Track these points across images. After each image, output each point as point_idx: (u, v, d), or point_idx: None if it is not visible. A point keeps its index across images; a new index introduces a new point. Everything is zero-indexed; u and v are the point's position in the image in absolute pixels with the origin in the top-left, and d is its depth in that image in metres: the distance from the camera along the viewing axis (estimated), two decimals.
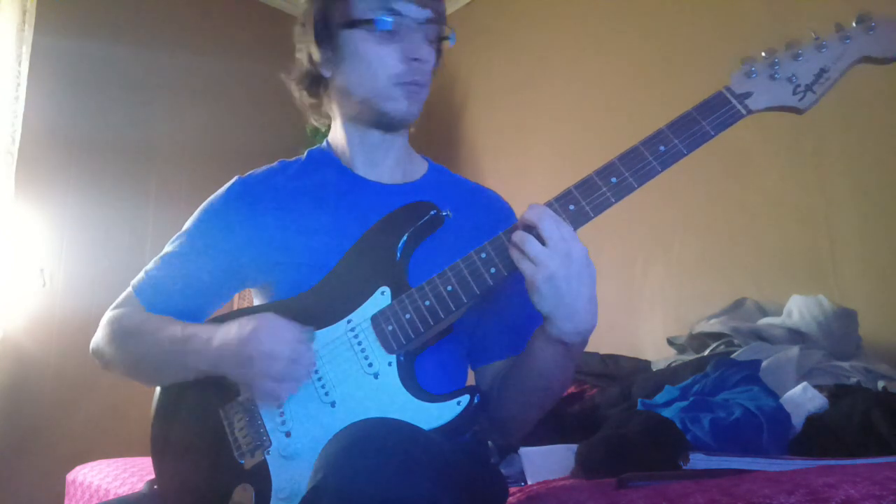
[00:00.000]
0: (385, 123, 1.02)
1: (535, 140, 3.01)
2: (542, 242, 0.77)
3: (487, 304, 1.01)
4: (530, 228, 0.79)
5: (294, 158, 1.11)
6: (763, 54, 0.82)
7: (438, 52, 1.03)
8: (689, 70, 2.37)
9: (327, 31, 0.99)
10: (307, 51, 1.03)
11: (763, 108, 0.81)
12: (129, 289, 1.02)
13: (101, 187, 2.84)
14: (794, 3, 2.11)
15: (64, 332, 2.60)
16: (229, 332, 0.86)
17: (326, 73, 1.02)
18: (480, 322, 1.02)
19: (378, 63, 0.96)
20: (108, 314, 1.01)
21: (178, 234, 1.04)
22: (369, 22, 0.95)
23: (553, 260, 0.76)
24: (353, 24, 0.96)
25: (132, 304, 1.01)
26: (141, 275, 1.02)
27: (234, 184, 1.04)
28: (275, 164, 1.09)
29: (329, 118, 1.11)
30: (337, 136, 1.08)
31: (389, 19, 0.95)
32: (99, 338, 1.00)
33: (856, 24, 0.79)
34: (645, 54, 2.60)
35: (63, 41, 2.80)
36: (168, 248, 1.03)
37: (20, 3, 2.63)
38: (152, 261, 1.03)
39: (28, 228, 2.62)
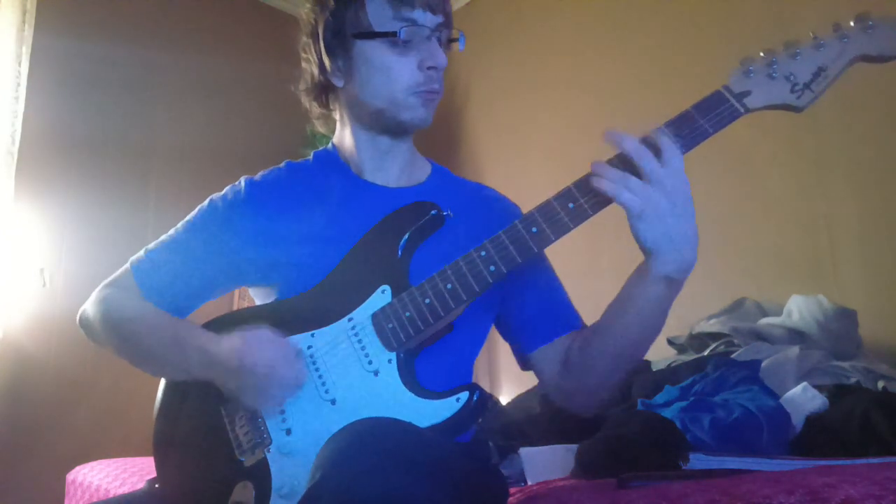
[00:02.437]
0: (399, 131, 1.02)
1: (535, 140, 3.01)
2: (642, 177, 0.77)
3: (526, 292, 1.02)
4: (627, 164, 0.79)
5: (300, 160, 1.10)
6: (761, 54, 0.83)
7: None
8: (688, 70, 2.37)
9: (339, 41, 0.98)
10: (316, 61, 1.02)
11: (761, 107, 0.82)
12: (127, 265, 1.02)
13: (101, 187, 2.84)
14: (793, 4, 2.11)
15: (64, 332, 2.60)
16: (225, 344, 0.86)
17: (339, 83, 1.02)
18: (526, 308, 1.02)
19: (396, 73, 0.95)
20: (103, 292, 1.00)
21: (183, 221, 1.03)
22: (392, 34, 0.94)
23: (659, 192, 0.77)
24: (371, 35, 0.95)
25: (128, 285, 1.00)
26: (141, 254, 1.02)
27: (242, 184, 1.04)
28: (282, 165, 1.09)
29: (335, 124, 1.10)
30: (345, 140, 1.07)
31: (407, 29, 0.94)
32: (90, 313, 0.99)
33: (854, 23, 0.80)
34: (644, 54, 2.60)
35: (63, 41, 2.80)
36: (171, 234, 1.03)
37: (20, 3, 2.63)
38: (154, 242, 1.03)
39: (28, 228, 2.62)
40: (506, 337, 1.07)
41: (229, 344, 0.86)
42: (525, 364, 1.04)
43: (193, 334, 0.92)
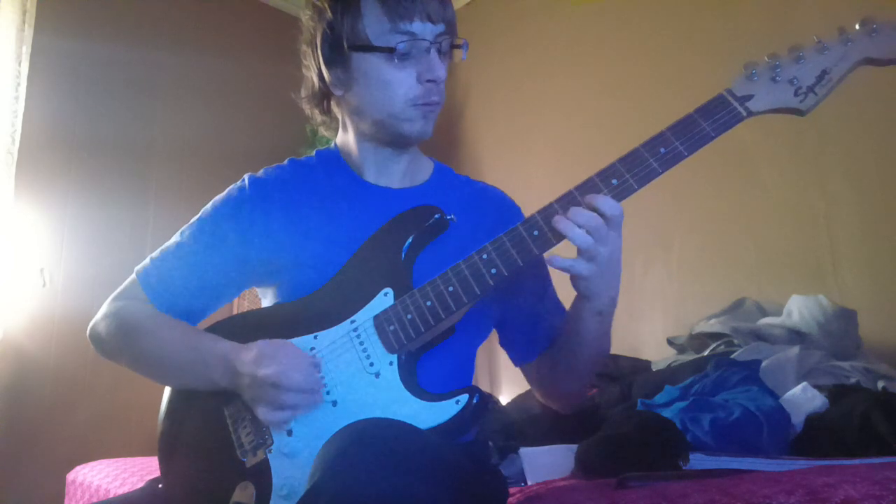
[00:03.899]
0: (400, 142, 1.01)
1: (536, 140, 3.01)
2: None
3: (516, 304, 1.04)
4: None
5: (304, 158, 1.10)
6: (765, 58, 0.82)
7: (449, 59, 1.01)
8: (689, 71, 2.37)
9: (337, 52, 0.97)
10: (316, 70, 1.01)
11: (764, 110, 0.82)
12: (133, 276, 1.01)
13: (101, 187, 2.84)
14: (796, 4, 2.11)
15: (64, 332, 2.60)
16: (244, 354, 0.86)
17: (338, 93, 1.01)
18: (515, 323, 1.06)
19: (394, 86, 0.94)
20: (113, 305, 0.99)
21: (187, 225, 1.02)
22: (390, 50, 0.92)
23: (607, 246, 0.81)
24: (369, 49, 0.93)
25: (136, 296, 0.99)
26: (146, 262, 1.01)
27: (246, 182, 1.03)
28: (285, 163, 1.08)
29: (338, 127, 1.10)
30: (348, 143, 1.07)
31: (405, 43, 0.92)
32: (101, 328, 0.98)
33: (858, 26, 0.80)
34: (646, 55, 2.60)
35: (63, 41, 2.80)
36: (176, 239, 1.01)
37: (20, 3, 2.63)
38: (158, 249, 1.01)
39: (28, 228, 2.62)
40: (501, 345, 1.11)
41: (247, 354, 0.86)
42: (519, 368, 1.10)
43: (214, 344, 0.91)
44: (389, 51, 0.92)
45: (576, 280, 0.84)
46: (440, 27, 0.94)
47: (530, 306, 1.04)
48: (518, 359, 1.08)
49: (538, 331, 1.04)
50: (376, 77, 0.94)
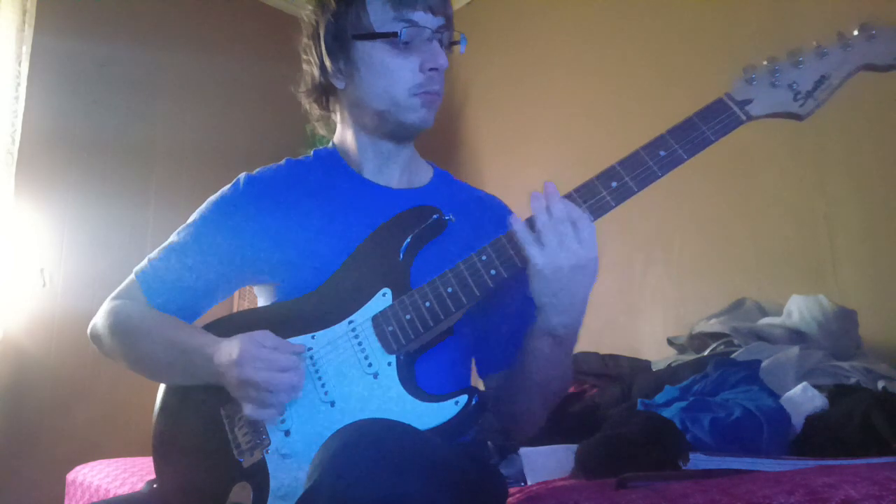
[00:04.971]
0: (401, 134, 1.01)
1: (535, 140, 3.01)
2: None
3: (494, 314, 1.02)
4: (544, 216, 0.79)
5: (301, 157, 1.10)
6: (764, 62, 0.82)
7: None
8: (689, 73, 2.37)
9: (340, 42, 0.98)
10: (317, 63, 1.02)
11: (763, 115, 0.82)
12: (132, 276, 1.02)
13: (101, 187, 2.84)
14: (797, 8, 2.11)
15: (64, 332, 2.60)
16: (224, 353, 0.86)
17: (340, 85, 1.01)
18: (488, 332, 1.04)
19: (397, 75, 0.95)
20: (111, 304, 1.00)
21: (183, 225, 1.03)
22: (393, 35, 0.94)
23: (564, 250, 0.77)
24: (373, 36, 0.95)
25: (134, 295, 1.00)
26: (144, 263, 1.02)
27: (241, 181, 1.04)
28: (282, 162, 1.08)
29: (335, 126, 1.10)
30: (346, 140, 1.07)
31: (408, 30, 0.94)
32: (100, 326, 0.99)
33: (857, 32, 0.79)
34: (646, 56, 2.60)
35: (63, 41, 2.80)
36: (174, 239, 1.02)
37: (20, 3, 2.63)
38: (157, 250, 1.02)
39: (28, 228, 2.62)
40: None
41: (227, 354, 0.85)
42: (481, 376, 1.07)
43: (199, 340, 0.91)
44: (393, 35, 0.94)
45: (531, 273, 0.80)
46: (441, 20, 0.96)
47: (505, 316, 1.02)
48: (484, 367, 1.05)
49: (509, 343, 1.00)
50: (379, 65, 0.96)
